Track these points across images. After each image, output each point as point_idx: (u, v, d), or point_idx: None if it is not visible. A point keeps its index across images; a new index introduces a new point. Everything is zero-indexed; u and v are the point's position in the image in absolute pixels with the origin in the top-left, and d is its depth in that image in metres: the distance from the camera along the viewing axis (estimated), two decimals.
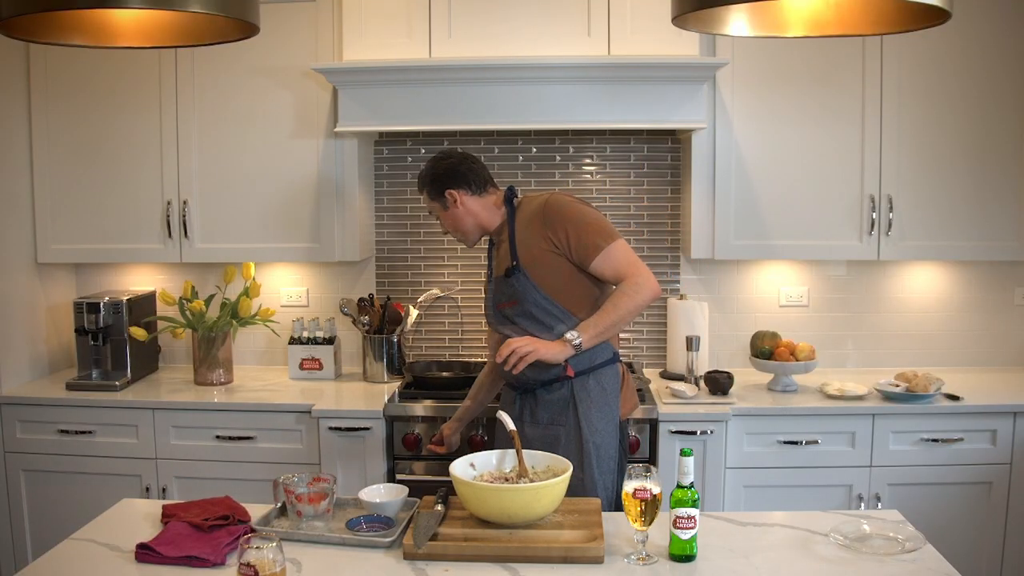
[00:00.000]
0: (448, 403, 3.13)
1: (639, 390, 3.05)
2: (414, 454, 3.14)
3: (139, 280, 3.83)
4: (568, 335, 2.41)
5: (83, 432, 3.29)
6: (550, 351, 2.41)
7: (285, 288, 3.80)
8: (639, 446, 3.05)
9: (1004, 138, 3.31)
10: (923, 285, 3.66)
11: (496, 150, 3.68)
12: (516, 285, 2.52)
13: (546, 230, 2.49)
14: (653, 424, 3.06)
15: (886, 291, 3.66)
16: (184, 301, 3.50)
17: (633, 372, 3.50)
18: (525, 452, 2.16)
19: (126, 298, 3.51)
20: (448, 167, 2.64)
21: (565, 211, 2.50)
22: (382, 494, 2.13)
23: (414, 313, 3.61)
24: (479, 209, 2.63)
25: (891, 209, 3.31)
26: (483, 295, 2.92)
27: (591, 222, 2.50)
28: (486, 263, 2.79)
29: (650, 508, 1.86)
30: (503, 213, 2.64)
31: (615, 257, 2.46)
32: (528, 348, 2.39)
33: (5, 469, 3.34)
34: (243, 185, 3.46)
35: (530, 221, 2.54)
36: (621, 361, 2.65)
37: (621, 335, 2.98)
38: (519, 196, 2.67)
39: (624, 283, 2.45)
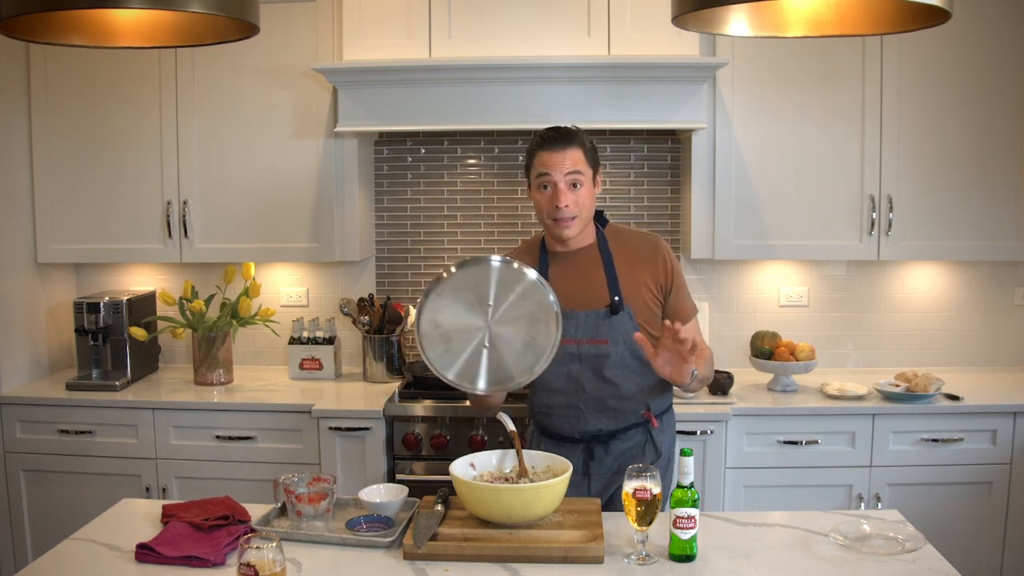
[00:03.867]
0: (448, 403, 3.13)
1: None
2: (414, 454, 3.14)
3: (139, 280, 3.83)
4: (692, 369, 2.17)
5: (83, 432, 3.29)
6: (682, 370, 2.14)
7: (285, 288, 3.80)
8: None
9: (1004, 138, 3.31)
10: (923, 285, 3.66)
11: (496, 150, 3.68)
12: (618, 325, 2.27)
13: (659, 275, 2.32)
14: None
15: (886, 291, 3.66)
16: (184, 301, 3.50)
17: None
18: (525, 452, 2.16)
19: (126, 298, 3.51)
20: None
21: (676, 262, 2.40)
22: (382, 494, 2.13)
23: (414, 313, 3.60)
24: (593, 207, 2.36)
25: (891, 209, 3.31)
26: None
27: (686, 285, 2.45)
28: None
29: (650, 508, 1.86)
30: (593, 232, 2.38)
31: (699, 327, 2.45)
32: (688, 355, 2.11)
33: (5, 469, 3.34)
34: (243, 185, 3.46)
35: (635, 257, 2.33)
36: None
37: None
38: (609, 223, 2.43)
39: (707, 352, 2.37)
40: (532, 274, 2.15)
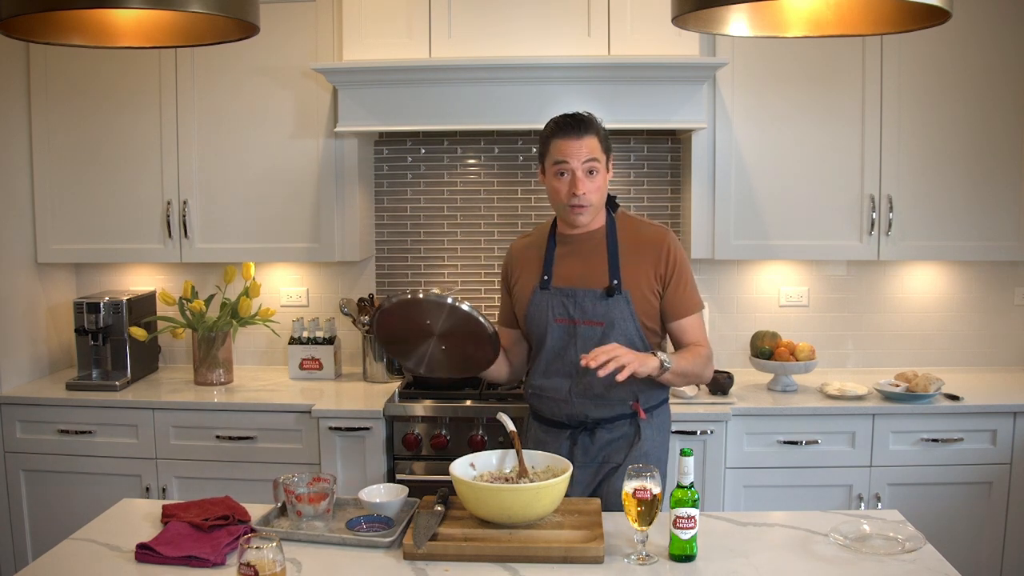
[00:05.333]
0: (448, 403, 3.13)
1: None
2: (414, 454, 3.14)
3: (139, 280, 3.83)
4: (661, 355, 2.22)
5: (83, 432, 3.29)
6: (642, 363, 2.17)
7: (285, 288, 3.80)
8: None
9: (1004, 138, 3.31)
10: (923, 285, 3.66)
11: (496, 150, 3.68)
12: (614, 308, 2.31)
13: (660, 266, 2.33)
14: None
15: (886, 291, 3.66)
16: (184, 301, 3.50)
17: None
18: (525, 452, 2.16)
19: (126, 298, 3.51)
20: None
21: (683, 256, 2.37)
22: (382, 494, 2.13)
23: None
24: (606, 192, 2.40)
25: (891, 209, 3.31)
26: (481, 298, 2.83)
27: (693, 280, 2.40)
28: (540, 265, 2.44)
29: (650, 508, 1.86)
30: (603, 217, 2.42)
31: (701, 324, 2.39)
32: (625, 359, 2.12)
33: (5, 469, 3.34)
34: (243, 185, 3.46)
35: (640, 245, 2.36)
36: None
37: None
38: (619, 208, 2.46)
39: (704, 350, 2.35)
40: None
